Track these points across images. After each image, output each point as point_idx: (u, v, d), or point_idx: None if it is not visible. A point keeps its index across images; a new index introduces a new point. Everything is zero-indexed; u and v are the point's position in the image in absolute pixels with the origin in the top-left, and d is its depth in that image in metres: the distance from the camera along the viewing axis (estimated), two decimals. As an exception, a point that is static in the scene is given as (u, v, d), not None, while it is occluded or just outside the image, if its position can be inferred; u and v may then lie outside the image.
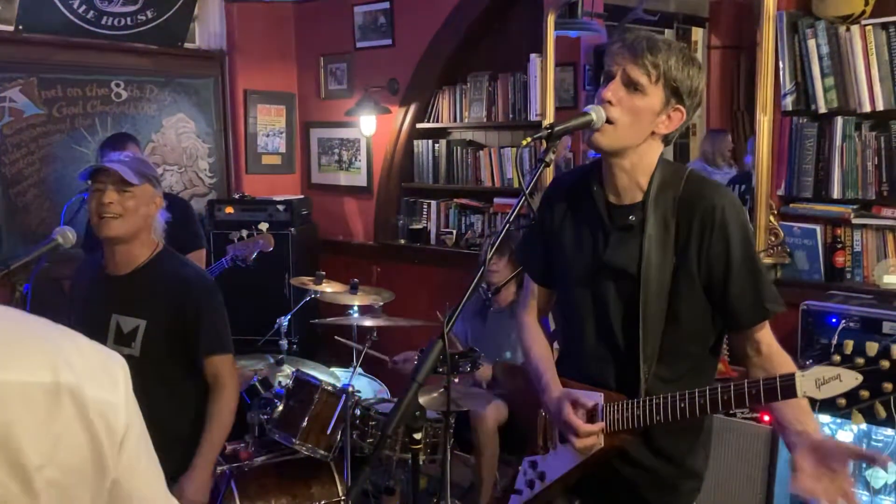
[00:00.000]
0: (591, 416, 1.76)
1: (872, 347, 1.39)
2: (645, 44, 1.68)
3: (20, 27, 4.27)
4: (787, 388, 1.48)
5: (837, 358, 1.42)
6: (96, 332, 2.25)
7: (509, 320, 3.54)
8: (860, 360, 1.41)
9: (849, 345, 1.41)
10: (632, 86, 1.68)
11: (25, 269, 1.95)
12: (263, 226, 3.48)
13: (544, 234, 1.94)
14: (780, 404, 1.59)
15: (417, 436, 1.54)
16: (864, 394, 1.40)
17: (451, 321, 1.58)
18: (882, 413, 1.41)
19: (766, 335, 1.76)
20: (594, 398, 1.78)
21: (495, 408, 3.36)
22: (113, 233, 2.20)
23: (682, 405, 1.63)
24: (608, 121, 1.68)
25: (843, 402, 1.42)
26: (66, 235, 2.09)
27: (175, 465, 2.29)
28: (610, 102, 1.68)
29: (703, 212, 1.70)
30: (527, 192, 1.59)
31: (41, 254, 2.01)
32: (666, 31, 5.42)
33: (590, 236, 1.81)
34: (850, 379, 1.41)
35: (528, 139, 1.62)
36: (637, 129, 1.69)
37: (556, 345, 2.10)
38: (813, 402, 1.74)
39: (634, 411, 1.70)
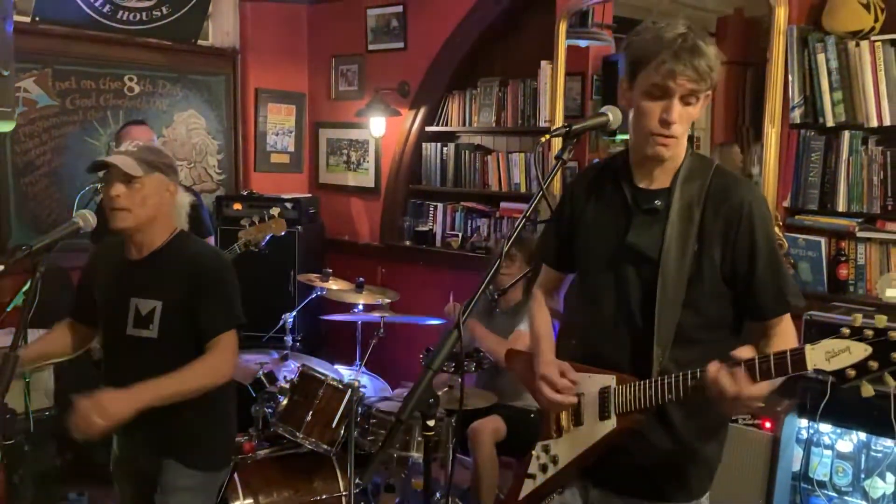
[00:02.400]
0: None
1: (881, 319, 1.41)
2: (696, 57, 1.68)
3: (36, 18, 4.31)
4: (798, 361, 1.51)
5: (846, 331, 1.44)
6: (117, 316, 2.28)
7: (513, 320, 3.58)
8: (869, 332, 1.42)
9: (858, 318, 1.43)
10: (688, 100, 1.72)
11: (47, 251, 1.97)
12: (275, 210, 3.51)
13: (562, 223, 2.00)
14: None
15: (431, 423, 1.57)
16: (873, 364, 1.40)
17: (467, 313, 1.62)
18: (892, 382, 1.41)
19: (785, 327, 1.80)
20: (605, 381, 1.81)
21: (493, 426, 3.38)
22: (121, 225, 2.22)
23: (693, 383, 1.65)
24: (673, 136, 1.73)
25: (852, 373, 1.43)
26: (87, 218, 2.10)
27: (180, 450, 2.30)
28: (674, 123, 1.72)
29: (730, 205, 1.75)
30: (545, 187, 1.63)
31: (63, 236, 2.03)
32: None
33: (613, 218, 1.86)
34: (859, 350, 1.43)
35: (547, 136, 1.65)
36: (687, 130, 1.77)
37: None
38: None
39: (646, 391, 1.73)
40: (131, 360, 2.28)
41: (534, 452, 1.99)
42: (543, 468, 1.95)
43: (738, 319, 1.84)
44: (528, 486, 1.98)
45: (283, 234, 3.56)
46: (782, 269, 1.79)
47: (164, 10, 4.74)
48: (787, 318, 1.80)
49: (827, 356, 1.46)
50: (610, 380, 1.80)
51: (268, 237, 3.52)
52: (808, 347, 1.49)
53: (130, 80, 4.79)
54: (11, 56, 2.90)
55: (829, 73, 3.19)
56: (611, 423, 1.79)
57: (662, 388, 1.70)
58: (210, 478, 2.43)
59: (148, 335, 2.25)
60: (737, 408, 1.62)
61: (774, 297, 1.77)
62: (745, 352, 1.60)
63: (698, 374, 1.65)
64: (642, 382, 1.74)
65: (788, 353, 1.53)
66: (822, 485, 2.98)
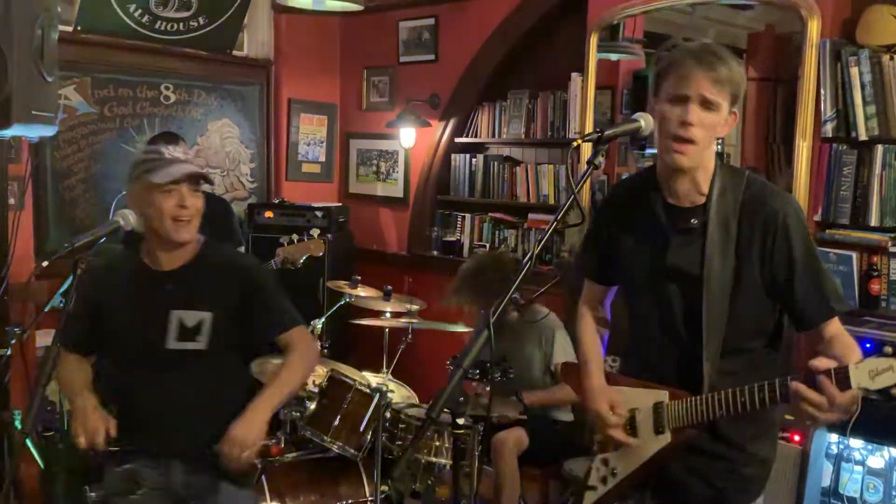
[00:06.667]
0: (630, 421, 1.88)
1: None
2: (717, 62, 1.73)
3: (78, 28, 4.42)
4: (842, 379, 1.54)
5: (889, 350, 1.47)
6: (154, 331, 2.19)
7: (527, 332, 3.59)
8: None
9: (901, 338, 1.46)
10: (707, 105, 1.74)
11: (88, 248, 2.01)
12: (315, 231, 3.59)
13: (601, 239, 2.04)
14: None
15: (461, 421, 1.59)
16: None
17: (497, 313, 1.64)
18: None
19: (834, 330, 1.81)
20: (658, 396, 1.85)
21: (515, 437, 3.38)
22: (187, 237, 2.17)
23: (743, 399, 1.69)
24: (692, 141, 1.74)
25: None
26: (127, 217, 2.12)
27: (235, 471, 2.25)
28: (692, 125, 1.74)
29: (766, 217, 1.77)
30: (577, 191, 1.65)
31: (104, 234, 2.06)
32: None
33: (650, 238, 1.89)
34: None
35: (580, 139, 1.68)
36: (710, 140, 1.79)
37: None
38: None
39: (699, 407, 1.77)
40: (174, 373, 2.19)
41: (592, 465, 2.04)
42: (604, 480, 1.99)
43: (777, 327, 1.87)
44: (589, 497, 2.02)
45: (320, 254, 3.62)
46: (823, 274, 1.80)
47: (201, 21, 4.83)
48: (836, 320, 1.81)
49: (871, 374, 1.50)
50: (663, 395, 1.84)
51: (305, 256, 3.59)
52: (851, 367, 1.53)
53: (167, 88, 4.89)
54: (56, 63, 2.98)
55: (863, 87, 3.17)
56: (665, 438, 1.83)
57: (714, 404, 1.74)
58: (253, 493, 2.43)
59: (195, 347, 2.19)
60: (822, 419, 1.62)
61: (817, 304, 1.79)
62: (822, 362, 1.61)
63: (746, 390, 1.68)
64: (695, 398, 1.78)
65: (833, 371, 1.56)
66: (852, 501, 2.94)
